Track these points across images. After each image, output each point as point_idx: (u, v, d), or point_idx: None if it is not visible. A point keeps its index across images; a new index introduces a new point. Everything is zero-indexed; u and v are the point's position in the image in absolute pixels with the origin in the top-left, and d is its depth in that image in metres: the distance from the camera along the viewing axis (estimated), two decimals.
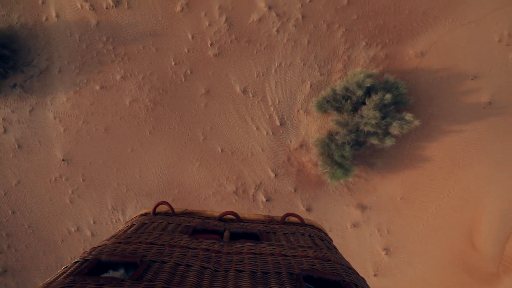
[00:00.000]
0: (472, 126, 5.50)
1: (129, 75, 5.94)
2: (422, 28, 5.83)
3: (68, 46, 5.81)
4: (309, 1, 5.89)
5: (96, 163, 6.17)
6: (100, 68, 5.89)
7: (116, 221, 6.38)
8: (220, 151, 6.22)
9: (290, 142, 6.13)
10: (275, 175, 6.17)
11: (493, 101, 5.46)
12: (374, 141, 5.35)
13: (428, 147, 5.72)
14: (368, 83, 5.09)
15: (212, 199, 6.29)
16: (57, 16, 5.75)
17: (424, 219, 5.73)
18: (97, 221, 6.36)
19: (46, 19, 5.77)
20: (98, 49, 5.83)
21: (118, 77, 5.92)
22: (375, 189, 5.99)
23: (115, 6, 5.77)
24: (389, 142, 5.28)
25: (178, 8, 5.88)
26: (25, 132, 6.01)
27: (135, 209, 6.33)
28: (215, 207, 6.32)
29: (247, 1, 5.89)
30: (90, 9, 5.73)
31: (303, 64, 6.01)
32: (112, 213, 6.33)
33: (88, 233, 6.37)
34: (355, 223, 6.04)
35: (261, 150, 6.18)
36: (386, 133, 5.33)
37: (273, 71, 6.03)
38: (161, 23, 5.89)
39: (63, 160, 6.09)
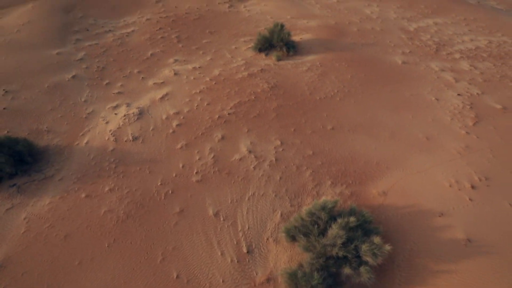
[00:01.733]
0: (462, 265, 4.54)
1: (116, 189, 6.27)
2: (379, 174, 6.41)
3: (81, 162, 6.72)
4: (282, 150, 7.09)
5: (30, 275, 5.09)
6: (96, 180, 6.39)
7: None
8: (175, 277, 5.12)
9: (256, 274, 5.08)
10: None
11: (471, 238, 4.85)
12: (347, 270, 4.39)
13: None
14: (330, 204, 5.00)
15: None
16: (87, 142, 7.14)
17: None
18: None
19: (77, 144, 7.13)
20: (102, 166, 6.64)
21: (106, 189, 6.24)
22: None
23: (133, 140, 7.21)
24: (365, 273, 4.30)
25: (179, 146, 7.21)
26: None
27: None
28: None
29: (232, 146, 7.20)
30: (113, 140, 7.17)
31: (275, 196, 6.20)
32: None
33: None
34: None
35: (221, 281, 5.02)
36: (361, 262, 4.46)
37: (246, 198, 6.17)
38: (162, 154, 7.00)
39: None
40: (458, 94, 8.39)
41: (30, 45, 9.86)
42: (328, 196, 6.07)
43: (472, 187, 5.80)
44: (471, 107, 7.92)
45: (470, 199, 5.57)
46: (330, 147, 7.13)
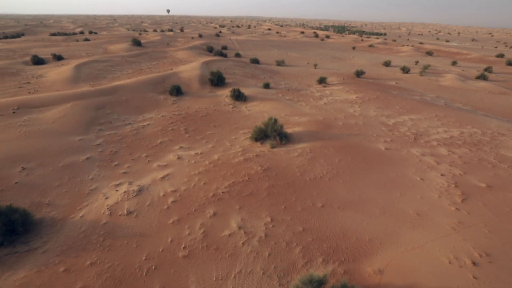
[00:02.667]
0: None
1: (98, 263, 6.02)
2: (373, 251, 6.11)
3: (70, 234, 6.71)
4: (272, 226, 7.03)
5: None
6: (79, 253, 6.22)
7: None
8: None
9: None
10: None
11: None
12: None
13: None
14: (317, 277, 4.67)
15: None
16: (82, 216, 7.30)
17: None
18: None
19: (72, 217, 7.29)
20: (90, 239, 6.57)
21: (87, 263, 5.99)
22: None
23: (127, 215, 7.36)
24: None
25: (171, 221, 7.26)
26: None
27: None
28: None
29: (223, 222, 7.21)
30: (108, 214, 7.34)
31: (263, 273, 5.81)
32: None
33: None
34: None
35: None
36: None
37: (232, 276, 5.77)
38: (153, 228, 6.99)
39: None
40: (442, 174, 8.79)
41: (59, 133, 11.47)
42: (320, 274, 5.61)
43: (474, 263, 5.39)
44: (456, 186, 8.15)
45: (474, 277, 5.09)
46: (320, 224, 7.06)
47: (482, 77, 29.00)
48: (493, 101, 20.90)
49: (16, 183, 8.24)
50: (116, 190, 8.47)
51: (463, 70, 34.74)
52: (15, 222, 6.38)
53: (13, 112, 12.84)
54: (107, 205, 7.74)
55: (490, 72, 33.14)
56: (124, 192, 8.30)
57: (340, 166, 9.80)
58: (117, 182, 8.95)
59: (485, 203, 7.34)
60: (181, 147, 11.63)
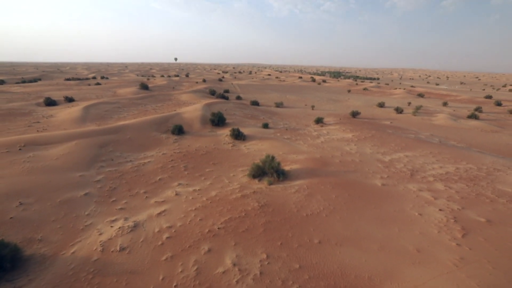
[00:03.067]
0: None
1: None
2: None
3: (58, 272, 6.48)
4: (267, 263, 6.79)
5: None
6: None
7: None
8: None
9: None
10: None
11: None
12: None
13: None
14: None
15: None
16: (73, 252, 7.12)
17: None
18: None
19: (63, 254, 7.10)
20: (78, 277, 6.33)
21: None
22: None
23: (119, 251, 7.17)
24: None
25: (164, 258, 7.05)
26: None
27: None
28: None
29: (217, 258, 6.99)
30: (100, 250, 7.16)
31: None
32: None
33: None
34: None
35: None
36: None
37: None
38: (145, 265, 6.76)
39: None
40: (440, 210, 8.69)
41: (61, 169, 11.68)
42: None
43: None
44: (455, 221, 8.01)
45: None
46: (317, 260, 6.82)
47: (473, 117, 30.04)
48: (486, 139, 21.37)
49: (11, 218, 8.19)
50: (111, 226, 8.36)
51: (454, 110, 36.12)
52: (4, 258, 6.23)
53: (19, 149, 13.26)
54: (100, 241, 7.59)
55: (481, 111, 34.41)
56: (119, 228, 8.18)
57: (337, 202, 9.75)
58: (113, 218, 8.87)
59: (486, 238, 7.15)
60: (179, 184, 11.70)
